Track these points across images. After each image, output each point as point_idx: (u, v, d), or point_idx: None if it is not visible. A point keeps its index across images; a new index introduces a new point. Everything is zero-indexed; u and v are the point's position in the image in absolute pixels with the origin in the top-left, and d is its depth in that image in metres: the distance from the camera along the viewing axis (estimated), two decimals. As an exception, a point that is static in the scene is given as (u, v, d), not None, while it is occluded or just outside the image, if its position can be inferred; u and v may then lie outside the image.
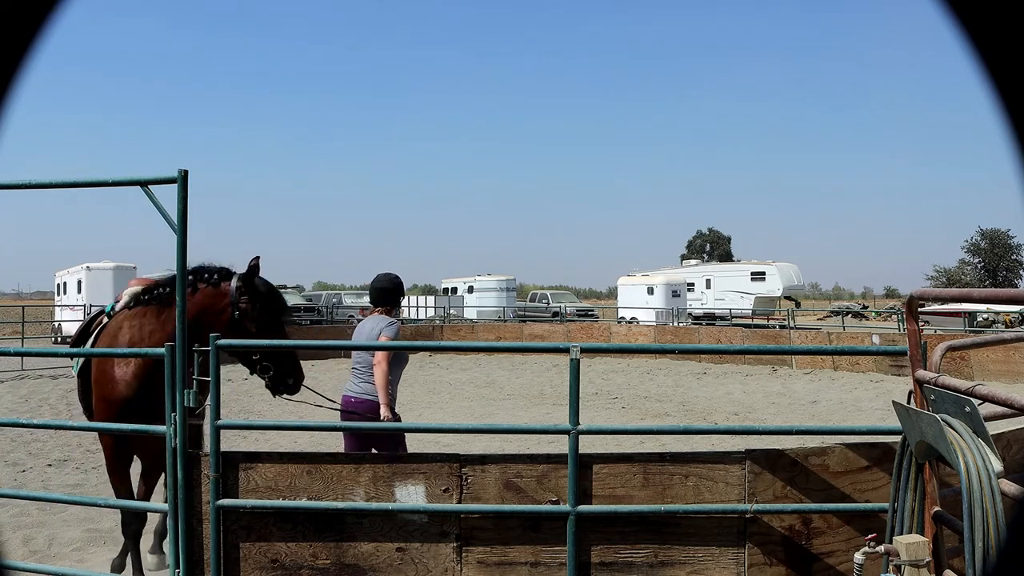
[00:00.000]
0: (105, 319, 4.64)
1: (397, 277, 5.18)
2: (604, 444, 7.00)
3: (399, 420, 4.94)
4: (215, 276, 4.25)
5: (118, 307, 4.55)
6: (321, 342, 17.35)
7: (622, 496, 3.66)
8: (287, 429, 4.33)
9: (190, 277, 4.15)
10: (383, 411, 4.71)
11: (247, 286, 4.26)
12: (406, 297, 11.67)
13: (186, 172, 3.70)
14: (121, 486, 4.49)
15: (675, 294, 36.01)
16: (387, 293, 5.09)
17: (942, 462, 2.66)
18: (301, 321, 28.05)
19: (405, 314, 34.62)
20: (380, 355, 4.73)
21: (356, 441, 4.78)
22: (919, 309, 3.05)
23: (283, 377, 4.42)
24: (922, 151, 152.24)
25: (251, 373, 4.44)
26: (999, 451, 2.38)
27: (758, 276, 36.82)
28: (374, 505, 3.67)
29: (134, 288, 4.54)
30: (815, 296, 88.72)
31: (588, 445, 3.84)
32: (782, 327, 27.72)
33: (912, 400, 2.88)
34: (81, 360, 4.59)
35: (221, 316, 4.21)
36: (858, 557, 2.82)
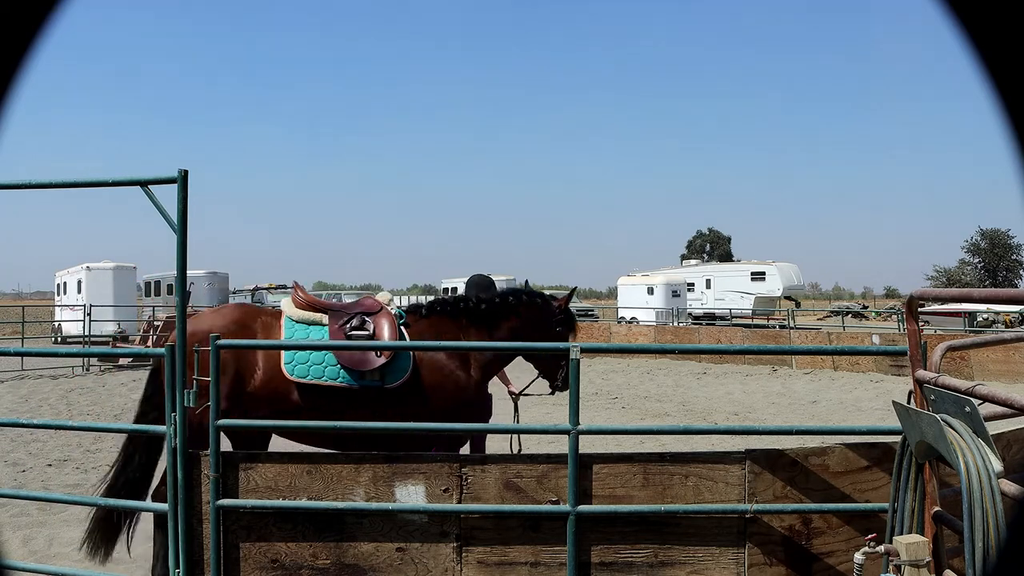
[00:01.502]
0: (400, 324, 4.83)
1: (490, 277, 5.83)
2: (604, 444, 7.00)
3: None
4: (538, 299, 5.09)
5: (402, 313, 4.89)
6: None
7: (622, 496, 3.66)
8: (287, 429, 4.33)
9: (510, 299, 4.95)
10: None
11: (566, 310, 5.16)
12: (407, 298, 11.78)
13: (186, 172, 3.70)
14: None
15: (675, 294, 35.98)
16: (486, 290, 5.56)
17: (942, 462, 2.65)
18: None
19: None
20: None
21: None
22: (919, 309, 3.05)
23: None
24: (922, 151, 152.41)
25: (541, 375, 5.16)
26: (999, 451, 2.38)
27: (758, 276, 36.83)
28: (374, 505, 3.67)
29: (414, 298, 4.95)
30: (815, 296, 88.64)
31: (588, 445, 3.84)
32: (782, 327, 27.72)
33: (912, 400, 2.88)
34: (405, 372, 4.48)
35: (550, 330, 5.01)
36: (858, 557, 2.82)
